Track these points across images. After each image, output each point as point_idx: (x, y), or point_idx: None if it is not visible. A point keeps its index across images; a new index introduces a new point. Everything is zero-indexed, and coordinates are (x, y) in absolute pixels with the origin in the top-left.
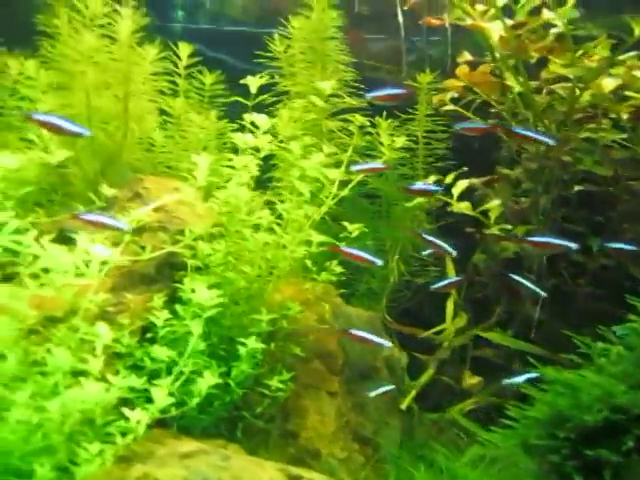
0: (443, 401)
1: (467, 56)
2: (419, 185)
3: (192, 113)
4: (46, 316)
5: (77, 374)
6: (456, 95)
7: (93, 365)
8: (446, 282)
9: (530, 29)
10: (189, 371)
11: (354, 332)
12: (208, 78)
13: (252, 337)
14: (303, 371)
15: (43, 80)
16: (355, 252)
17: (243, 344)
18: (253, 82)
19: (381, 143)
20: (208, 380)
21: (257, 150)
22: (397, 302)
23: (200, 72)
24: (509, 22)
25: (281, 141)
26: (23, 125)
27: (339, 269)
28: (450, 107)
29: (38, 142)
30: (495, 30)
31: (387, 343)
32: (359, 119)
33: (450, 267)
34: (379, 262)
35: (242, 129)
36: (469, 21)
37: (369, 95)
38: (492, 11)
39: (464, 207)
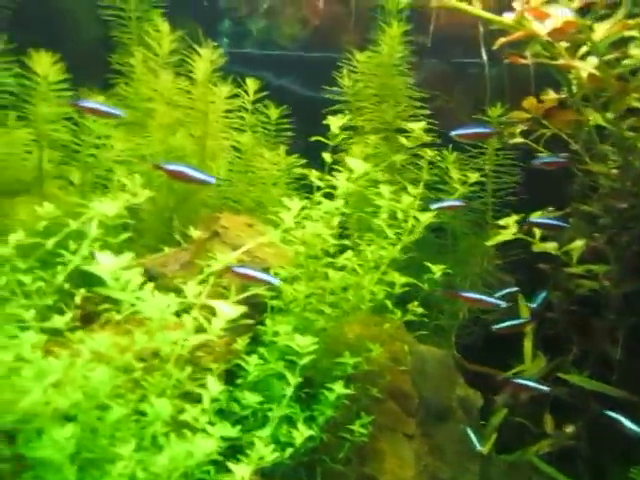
0: (515, 442)
1: (552, 94)
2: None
3: (262, 148)
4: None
5: (177, 424)
6: (525, 128)
7: (192, 414)
8: (512, 323)
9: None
10: (277, 417)
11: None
12: (273, 112)
13: (339, 382)
14: (378, 412)
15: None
16: (475, 296)
17: (329, 388)
18: (334, 122)
19: (450, 177)
20: (303, 431)
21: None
22: (465, 339)
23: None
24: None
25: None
26: (96, 163)
27: (420, 310)
28: (520, 140)
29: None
30: (584, 67)
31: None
32: (429, 153)
33: (523, 307)
34: (502, 304)
35: (319, 167)
36: (561, 60)
37: (454, 133)
38: (583, 49)
39: (550, 248)
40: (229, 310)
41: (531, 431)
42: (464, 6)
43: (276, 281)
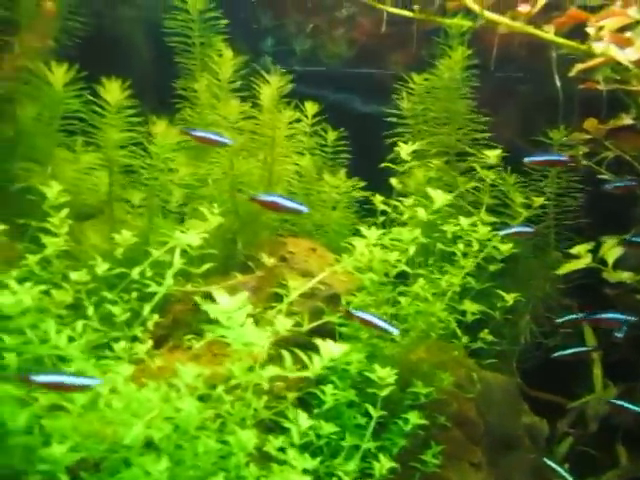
0: (582, 471)
1: (627, 119)
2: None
3: (321, 171)
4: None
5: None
6: (587, 150)
7: (276, 446)
8: (574, 351)
9: None
10: (349, 446)
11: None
12: (330, 134)
13: (414, 411)
14: (443, 440)
15: (172, 139)
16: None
17: (402, 418)
18: (405, 149)
19: (512, 200)
20: (384, 463)
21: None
22: (525, 364)
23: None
24: None
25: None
26: (162, 187)
27: (490, 337)
28: (584, 162)
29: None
30: None
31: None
32: (491, 176)
33: (589, 333)
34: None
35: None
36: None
37: (528, 160)
38: None
39: (626, 277)
40: (335, 348)
41: (600, 461)
42: (537, 32)
43: (396, 331)
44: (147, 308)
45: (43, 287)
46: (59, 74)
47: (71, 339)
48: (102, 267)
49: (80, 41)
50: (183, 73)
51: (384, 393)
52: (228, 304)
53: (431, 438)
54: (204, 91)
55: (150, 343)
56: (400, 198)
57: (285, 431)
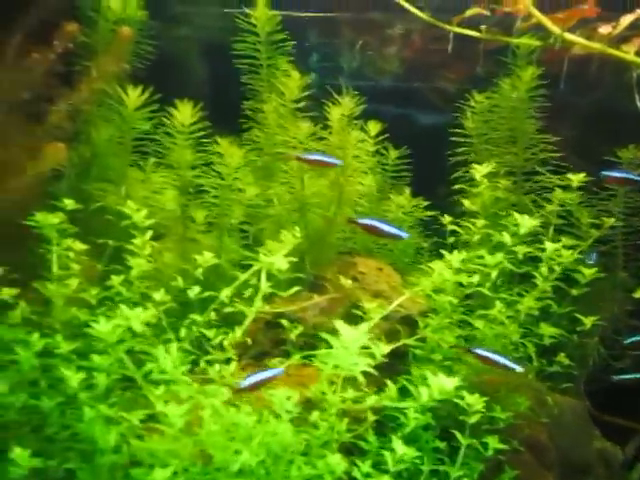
0: None
1: None
2: None
3: (386, 190)
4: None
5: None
6: None
7: (363, 471)
8: (634, 376)
9: None
10: (428, 470)
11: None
12: (392, 153)
13: (493, 436)
14: (515, 464)
15: (236, 159)
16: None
17: (483, 443)
18: (480, 171)
19: (577, 219)
20: None
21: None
22: (592, 386)
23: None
24: None
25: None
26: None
27: (567, 361)
28: None
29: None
30: None
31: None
32: (558, 196)
33: None
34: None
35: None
36: None
37: (605, 173)
38: None
39: None
40: (448, 382)
41: None
42: (618, 53)
43: (519, 368)
44: (239, 331)
45: (153, 312)
46: (132, 96)
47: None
48: (194, 290)
49: (147, 63)
50: (250, 94)
51: (472, 420)
52: (349, 336)
53: (504, 462)
54: (272, 112)
55: (235, 365)
56: (468, 218)
57: (364, 454)
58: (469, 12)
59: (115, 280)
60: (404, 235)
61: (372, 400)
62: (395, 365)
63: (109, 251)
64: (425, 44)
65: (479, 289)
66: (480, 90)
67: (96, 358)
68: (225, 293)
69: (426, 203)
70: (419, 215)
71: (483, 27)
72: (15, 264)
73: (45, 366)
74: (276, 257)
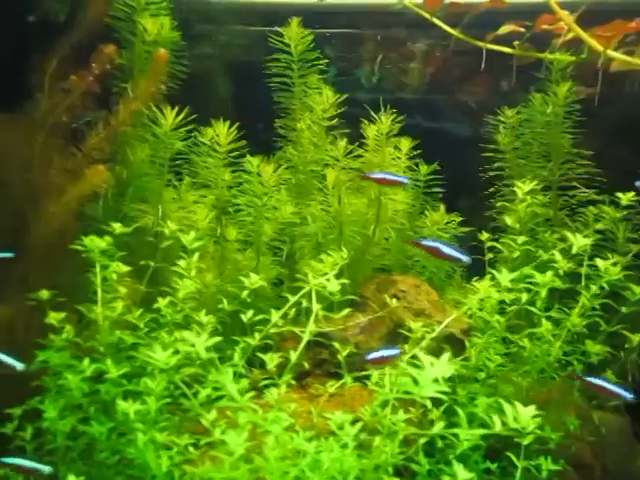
0: None
1: None
2: None
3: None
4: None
5: None
6: None
7: None
8: None
9: None
10: None
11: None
12: (423, 168)
13: (546, 457)
14: None
15: (271, 177)
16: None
17: (536, 464)
18: (523, 188)
19: (612, 233)
20: None
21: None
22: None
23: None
24: None
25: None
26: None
27: (614, 378)
28: None
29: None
30: None
31: None
32: (593, 210)
33: None
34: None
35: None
36: None
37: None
38: None
39: None
40: (526, 411)
41: None
42: None
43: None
44: (294, 355)
45: (218, 339)
46: (169, 117)
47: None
48: (247, 315)
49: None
50: (281, 111)
51: (526, 441)
52: (436, 371)
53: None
54: (306, 129)
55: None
56: (502, 234)
57: (414, 477)
58: (503, 29)
59: (162, 302)
60: (465, 258)
61: (440, 426)
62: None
63: (150, 272)
64: (447, 59)
65: (527, 307)
66: (506, 104)
67: (148, 383)
68: (276, 316)
69: (460, 219)
70: (454, 231)
71: (516, 43)
72: (57, 287)
73: (93, 390)
74: (327, 278)
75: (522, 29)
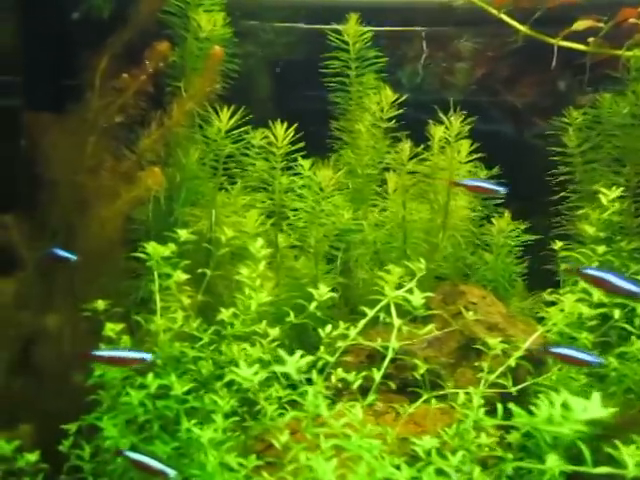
0: None
1: None
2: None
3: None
4: None
5: None
6: None
7: None
8: None
9: None
10: None
11: None
12: (481, 172)
13: None
14: None
15: (324, 181)
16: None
17: None
18: (609, 195)
19: None
20: None
21: None
22: None
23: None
24: None
25: None
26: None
27: None
28: None
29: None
30: None
31: None
32: None
33: None
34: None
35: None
36: None
37: None
38: None
39: None
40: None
41: None
42: None
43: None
44: (378, 375)
45: (311, 358)
46: (224, 118)
47: None
48: (326, 330)
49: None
50: (337, 112)
51: (633, 473)
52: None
53: None
54: (365, 131)
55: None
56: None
57: None
58: (579, 25)
59: (225, 314)
60: (502, 190)
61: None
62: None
63: (207, 281)
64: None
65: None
66: (565, 106)
67: (217, 400)
68: (354, 331)
69: (525, 227)
70: (521, 239)
71: (591, 40)
72: (104, 295)
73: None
74: (407, 290)
75: (600, 24)
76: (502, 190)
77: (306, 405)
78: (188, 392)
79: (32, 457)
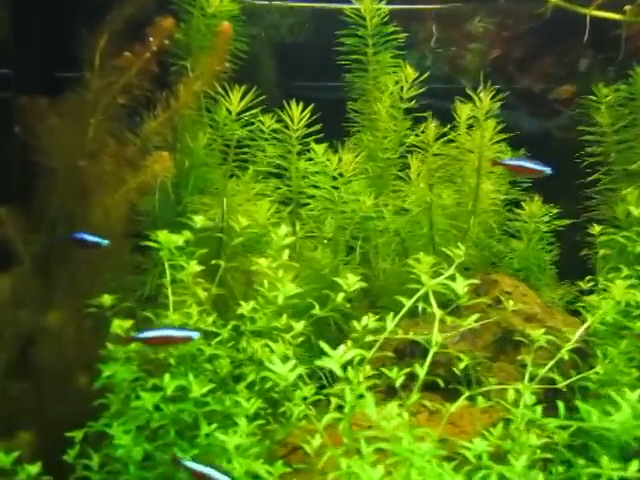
0: None
1: None
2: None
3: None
4: None
5: None
6: None
7: None
8: None
9: None
10: None
11: None
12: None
13: None
14: None
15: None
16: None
17: None
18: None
19: None
20: None
21: None
22: None
23: None
24: None
25: None
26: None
27: None
28: None
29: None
30: None
31: None
32: None
33: None
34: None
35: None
36: None
37: None
38: None
39: None
40: None
41: None
42: None
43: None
44: (422, 371)
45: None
46: (234, 100)
47: None
48: (364, 321)
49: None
50: (353, 93)
51: None
52: None
53: None
54: (384, 113)
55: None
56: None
57: None
58: None
59: (245, 308)
60: (548, 170)
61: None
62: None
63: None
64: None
65: None
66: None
67: (242, 403)
68: (391, 323)
69: (557, 211)
70: (554, 225)
71: (627, 8)
72: (116, 292)
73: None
74: (449, 277)
75: None
76: (548, 170)
77: (346, 405)
78: (206, 394)
79: (33, 469)
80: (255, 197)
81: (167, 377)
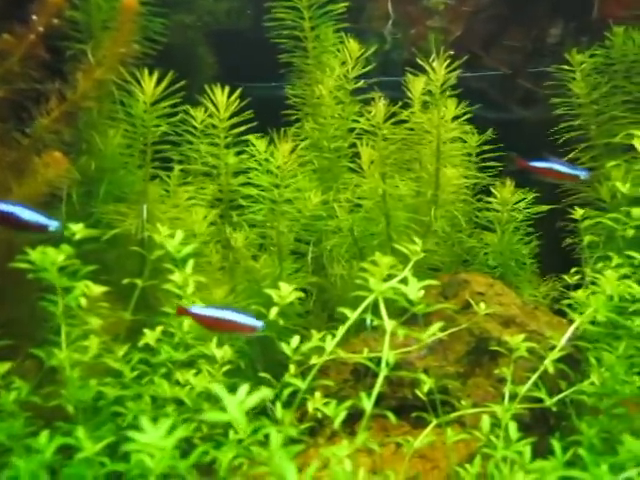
0: None
1: None
2: None
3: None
4: None
5: None
6: None
7: None
8: None
9: None
10: None
11: None
12: (473, 138)
13: None
14: None
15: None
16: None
17: None
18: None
19: None
20: None
21: None
22: None
23: None
24: None
25: None
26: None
27: None
28: None
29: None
30: None
31: None
32: None
33: None
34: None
35: None
36: None
37: None
38: None
39: None
40: None
41: None
42: None
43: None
44: (368, 403)
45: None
46: (148, 88)
47: None
48: (292, 343)
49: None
50: (290, 77)
51: None
52: None
53: None
54: (327, 95)
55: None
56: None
57: None
58: None
59: (150, 337)
60: (583, 174)
61: None
62: (548, 418)
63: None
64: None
65: None
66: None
67: (146, 461)
68: (331, 344)
69: (533, 197)
70: (531, 213)
71: None
72: (5, 324)
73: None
74: (401, 280)
75: None
76: (583, 174)
77: (270, 462)
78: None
79: None
80: (185, 202)
81: (44, 435)
